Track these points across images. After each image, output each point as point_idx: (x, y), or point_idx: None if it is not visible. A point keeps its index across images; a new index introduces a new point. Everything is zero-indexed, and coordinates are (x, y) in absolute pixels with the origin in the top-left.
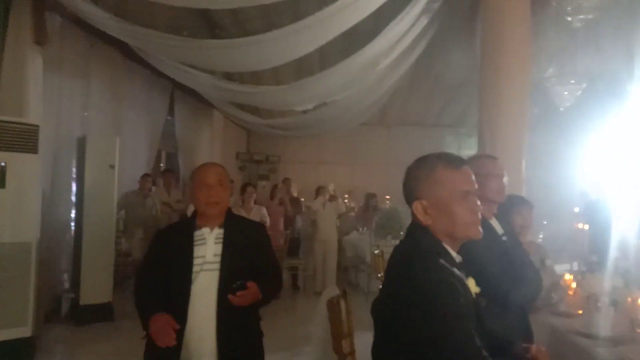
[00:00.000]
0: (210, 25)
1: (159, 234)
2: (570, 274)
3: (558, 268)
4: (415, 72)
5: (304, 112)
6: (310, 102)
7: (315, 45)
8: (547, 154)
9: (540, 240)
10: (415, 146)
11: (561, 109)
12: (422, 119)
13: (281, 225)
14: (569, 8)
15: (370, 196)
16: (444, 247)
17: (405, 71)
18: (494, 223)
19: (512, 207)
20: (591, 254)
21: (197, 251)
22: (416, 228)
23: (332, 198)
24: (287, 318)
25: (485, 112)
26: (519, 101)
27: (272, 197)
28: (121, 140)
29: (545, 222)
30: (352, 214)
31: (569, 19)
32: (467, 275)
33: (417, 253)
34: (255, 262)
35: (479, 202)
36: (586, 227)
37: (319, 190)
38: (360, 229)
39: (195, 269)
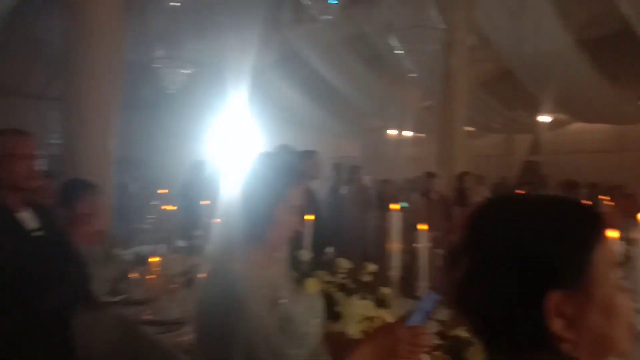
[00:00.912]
0: None
1: None
2: (155, 257)
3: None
4: (9, 33)
5: None
6: None
7: None
8: (164, 134)
9: (150, 221)
10: (14, 120)
11: (170, 91)
12: (22, 89)
13: None
14: None
15: None
16: None
17: None
18: (25, 216)
19: (73, 193)
20: (180, 235)
21: None
22: None
23: None
24: None
25: (71, 87)
26: (109, 78)
27: None
28: None
29: (157, 202)
30: None
31: None
32: None
33: None
34: None
35: None
36: (174, 208)
37: None
38: None
39: None
